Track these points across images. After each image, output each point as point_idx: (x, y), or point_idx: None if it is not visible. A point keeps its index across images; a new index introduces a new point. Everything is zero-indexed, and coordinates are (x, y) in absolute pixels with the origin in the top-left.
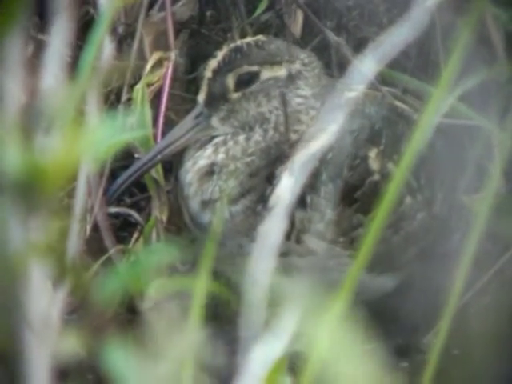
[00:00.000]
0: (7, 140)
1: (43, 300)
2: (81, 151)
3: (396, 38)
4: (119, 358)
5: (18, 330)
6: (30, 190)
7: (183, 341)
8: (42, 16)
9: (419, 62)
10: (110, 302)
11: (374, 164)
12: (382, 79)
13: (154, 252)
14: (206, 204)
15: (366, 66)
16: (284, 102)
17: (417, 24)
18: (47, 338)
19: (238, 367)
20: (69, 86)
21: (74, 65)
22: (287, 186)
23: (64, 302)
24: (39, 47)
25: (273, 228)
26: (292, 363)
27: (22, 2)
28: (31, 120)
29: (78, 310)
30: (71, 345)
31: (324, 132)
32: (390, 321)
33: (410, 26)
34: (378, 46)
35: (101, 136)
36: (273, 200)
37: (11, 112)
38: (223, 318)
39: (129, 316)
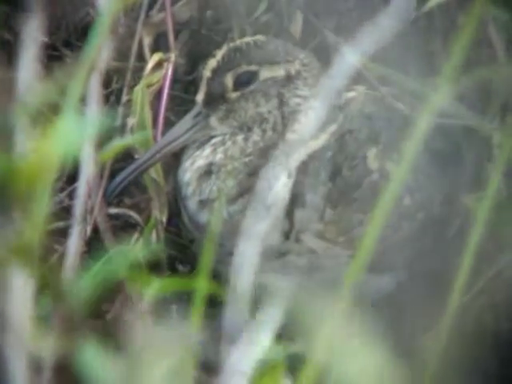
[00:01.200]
0: None
1: (24, 302)
2: (52, 152)
3: (380, 28)
4: (94, 358)
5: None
6: (5, 191)
7: (179, 340)
8: (14, 15)
9: (419, 62)
10: (90, 296)
11: (372, 164)
12: (382, 79)
13: (127, 250)
14: (204, 204)
15: (349, 57)
16: (281, 103)
17: (401, 14)
18: (25, 338)
19: (223, 363)
20: (45, 86)
21: (73, 65)
22: (285, 186)
23: (44, 303)
24: (14, 46)
25: (256, 223)
26: (292, 365)
27: None
28: (6, 119)
29: (55, 310)
30: (49, 345)
31: (323, 132)
32: (389, 321)
33: (394, 16)
34: (363, 36)
35: (68, 134)
36: (270, 199)
37: None
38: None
39: (128, 315)
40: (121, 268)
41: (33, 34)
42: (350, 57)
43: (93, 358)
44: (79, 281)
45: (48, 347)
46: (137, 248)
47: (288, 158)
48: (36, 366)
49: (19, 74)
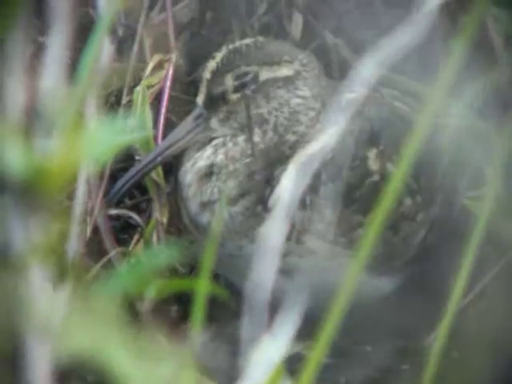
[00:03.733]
0: (8, 142)
1: (44, 301)
2: (81, 153)
3: (397, 41)
4: (119, 359)
5: (19, 331)
6: (31, 192)
7: (184, 343)
8: (41, 17)
9: (419, 63)
10: (110, 303)
11: (373, 165)
12: (382, 81)
13: (155, 254)
14: (205, 205)
15: (366, 70)
16: (282, 104)
17: (418, 28)
18: (48, 339)
19: (239, 370)
20: (69, 88)
21: (73, 67)
22: (287, 187)
23: (65, 303)
24: (39, 49)
25: (274, 229)
26: (291, 366)
27: (20, 3)
28: (32, 122)
29: (79, 311)
30: (72, 346)
31: (324, 133)
32: (389, 323)
33: (412, 29)
34: (379, 50)
35: (100, 138)
36: (272, 201)
37: (12, 114)
38: (223, 320)
39: (129, 318)
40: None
41: (61, 36)
42: (366, 71)
43: (120, 358)
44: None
45: (67, 347)
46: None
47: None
48: (54, 365)
49: (45, 75)
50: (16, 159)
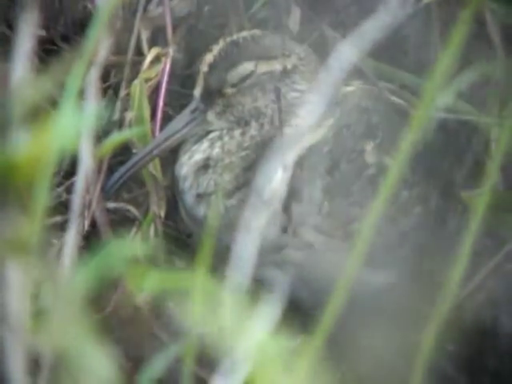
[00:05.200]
0: None
1: (22, 297)
2: (50, 145)
3: (377, 23)
4: (94, 354)
5: None
6: (4, 186)
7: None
8: (9, 8)
9: (416, 56)
10: (88, 290)
11: (370, 157)
12: (379, 74)
13: (124, 244)
14: (201, 197)
15: (347, 52)
16: (278, 97)
17: (396, 10)
18: (26, 335)
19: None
20: (40, 78)
21: (69, 59)
22: (282, 180)
23: (43, 298)
24: (7, 39)
25: (254, 218)
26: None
27: None
28: (2, 114)
29: (53, 305)
30: (47, 341)
31: (320, 126)
32: (387, 316)
33: (392, 11)
34: (359, 33)
35: (68, 129)
36: (268, 193)
37: None
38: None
39: (125, 311)
40: (119, 262)
41: (29, 28)
42: (347, 51)
43: (93, 353)
44: (77, 275)
45: (46, 342)
46: (134, 242)
47: (286, 152)
48: (34, 362)
49: (15, 67)
50: None
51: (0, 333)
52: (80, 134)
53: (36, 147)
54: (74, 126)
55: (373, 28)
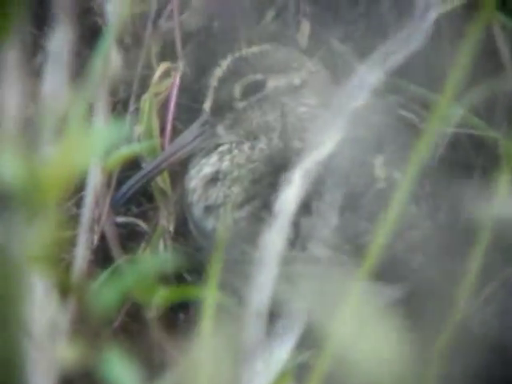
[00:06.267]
0: (7, 148)
1: (45, 310)
2: (82, 160)
3: (399, 47)
4: (119, 368)
5: (19, 341)
6: (31, 200)
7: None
8: (42, 22)
9: (426, 71)
10: (111, 309)
11: (379, 172)
12: (389, 88)
13: (158, 260)
14: (210, 210)
15: (368, 75)
16: (288, 111)
17: (420, 35)
18: (49, 348)
19: (241, 377)
20: (70, 94)
21: (80, 74)
22: (291, 194)
23: (66, 311)
24: (40, 54)
25: (275, 235)
26: (299, 374)
27: (20, 7)
28: (32, 128)
29: (80, 319)
30: (73, 355)
31: (328, 140)
32: (396, 330)
33: (414, 36)
34: (382, 56)
35: (102, 145)
36: (277, 207)
37: (11, 120)
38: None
39: (135, 325)
40: (137, 280)
41: (59, 45)
42: (368, 73)
43: (114, 365)
44: (94, 290)
45: (66, 354)
46: (146, 257)
47: (296, 167)
48: (53, 373)
49: (45, 81)
50: (15, 167)
51: (24, 345)
52: (110, 149)
53: (61, 161)
54: (105, 141)
55: (395, 50)
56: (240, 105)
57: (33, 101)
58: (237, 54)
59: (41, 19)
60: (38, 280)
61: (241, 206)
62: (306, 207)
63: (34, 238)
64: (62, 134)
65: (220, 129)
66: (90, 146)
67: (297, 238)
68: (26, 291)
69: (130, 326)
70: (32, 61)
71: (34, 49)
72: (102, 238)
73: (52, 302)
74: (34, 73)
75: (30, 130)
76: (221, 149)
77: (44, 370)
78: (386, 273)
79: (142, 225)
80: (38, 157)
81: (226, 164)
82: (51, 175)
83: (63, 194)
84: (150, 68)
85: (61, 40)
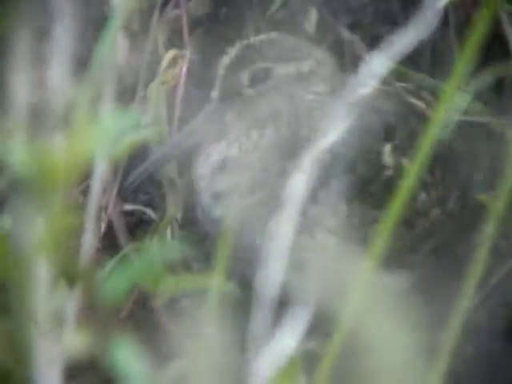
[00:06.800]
0: (16, 137)
1: (52, 298)
2: (90, 148)
3: (408, 36)
4: (127, 356)
5: (26, 329)
6: (39, 187)
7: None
8: (47, 10)
9: (433, 58)
10: (119, 298)
11: (387, 159)
12: (396, 75)
13: (165, 248)
14: (218, 198)
15: (378, 63)
16: (296, 100)
17: (429, 23)
18: (56, 337)
19: (247, 366)
20: (77, 83)
21: (86, 62)
22: (299, 182)
23: (73, 300)
24: (46, 43)
25: (284, 224)
26: (307, 362)
27: None
28: (39, 117)
29: (87, 308)
30: (80, 343)
31: (337, 128)
32: (403, 319)
33: (422, 24)
34: (391, 44)
35: (110, 133)
36: (285, 195)
37: (19, 109)
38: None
39: (142, 314)
40: (146, 269)
41: (64, 35)
42: (377, 63)
43: (122, 355)
44: (102, 279)
45: (73, 343)
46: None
47: (305, 155)
48: (60, 362)
49: (52, 71)
50: (24, 155)
51: (31, 334)
52: (118, 138)
53: (69, 150)
54: (117, 131)
55: (405, 40)
56: (248, 93)
57: (40, 89)
58: (244, 42)
59: (46, 7)
60: (45, 268)
61: (248, 193)
62: (313, 195)
63: (41, 225)
64: (69, 122)
65: (228, 116)
66: (97, 134)
67: (304, 226)
68: (33, 279)
69: (138, 315)
70: (39, 49)
71: (41, 37)
72: (110, 226)
73: (59, 290)
74: (41, 61)
75: (37, 118)
76: (229, 136)
77: (51, 358)
78: (394, 261)
79: (150, 213)
80: (46, 145)
81: (234, 151)
82: (59, 163)
83: (71, 181)
84: (157, 56)
85: (66, 28)
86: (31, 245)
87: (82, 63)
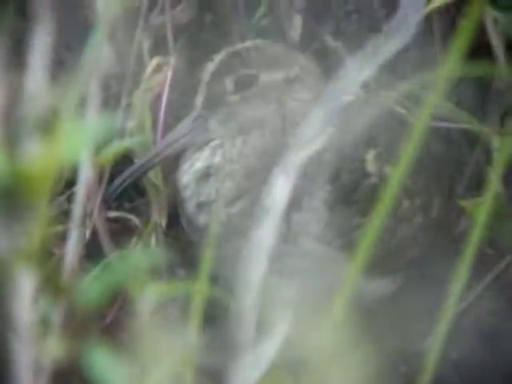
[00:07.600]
0: None
1: (29, 305)
2: (73, 154)
3: (391, 43)
4: (106, 362)
5: (8, 337)
6: (14, 196)
7: (179, 343)
8: (24, 18)
9: (418, 66)
10: (101, 304)
11: (371, 166)
12: (380, 83)
13: (150, 255)
14: (202, 206)
15: (361, 71)
16: (280, 107)
17: (411, 30)
18: (38, 344)
19: (229, 370)
20: (57, 89)
21: (72, 69)
22: (282, 189)
23: (55, 307)
24: (22, 50)
25: (267, 231)
26: (291, 369)
27: (5, 3)
28: (14, 125)
29: (69, 315)
30: (62, 351)
31: (320, 135)
32: (387, 325)
33: (405, 31)
34: (373, 51)
35: (94, 139)
36: (269, 202)
37: None
38: (220, 321)
39: (126, 319)
40: (127, 275)
41: (42, 41)
42: (355, 69)
43: (101, 360)
44: (84, 285)
45: (53, 350)
46: (137, 252)
47: (288, 162)
48: (40, 369)
49: (28, 79)
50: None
51: (6, 341)
52: (86, 144)
53: (46, 158)
54: (80, 137)
55: (386, 45)
56: (232, 99)
57: (18, 96)
58: (229, 49)
59: (25, 14)
60: (26, 276)
61: (233, 201)
62: (297, 202)
63: (22, 233)
64: (48, 128)
65: (212, 123)
66: (82, 140)
67: (288, 233)
68: (16, 287)
69: (122, 321)
70: (16, 56)
71: (19, 44)
72: (94, 232)
73: (41, 298)
74: (19, 68)
75: (12, 126)
76: (213, 143)
77: (32, 365)
78: (377, 267)
79: (134, 220)
80: (23, 152)
81: (218, 159)
82: (40, 170)
83: (54, 188)
84: (141, 63)
85: (45, 33)
86: (13, 253)
87: (61, 69)
